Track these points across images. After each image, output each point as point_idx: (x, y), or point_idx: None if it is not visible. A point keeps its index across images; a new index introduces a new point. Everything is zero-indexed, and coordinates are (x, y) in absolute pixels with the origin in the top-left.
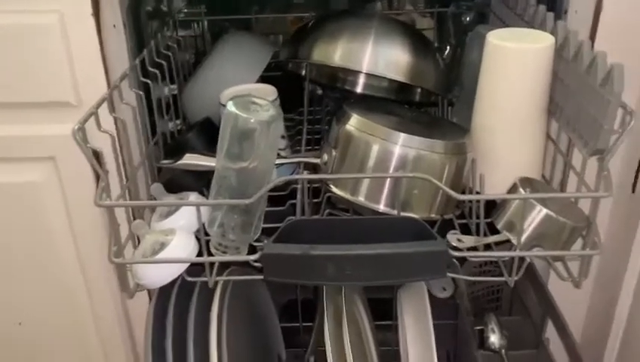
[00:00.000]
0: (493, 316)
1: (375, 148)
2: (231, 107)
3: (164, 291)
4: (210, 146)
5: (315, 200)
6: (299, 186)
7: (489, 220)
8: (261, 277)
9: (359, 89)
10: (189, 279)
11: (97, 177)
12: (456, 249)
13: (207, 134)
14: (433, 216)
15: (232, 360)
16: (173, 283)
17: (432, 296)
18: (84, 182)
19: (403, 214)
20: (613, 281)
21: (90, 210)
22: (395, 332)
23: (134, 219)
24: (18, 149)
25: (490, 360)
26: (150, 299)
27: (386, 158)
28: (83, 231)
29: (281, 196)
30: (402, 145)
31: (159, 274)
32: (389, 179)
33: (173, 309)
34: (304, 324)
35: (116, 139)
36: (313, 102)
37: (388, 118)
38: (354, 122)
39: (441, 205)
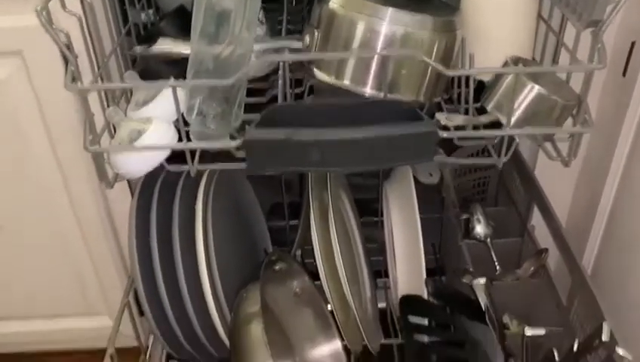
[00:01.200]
0: (478, 206)
1: (360, 27)
2: None
3: (147, 187)
4: (184, 36)
5: (297, 91)
6: (280, 69)
7: (478, 105)
8: (244, 166)
9: None
10: (170, 168)
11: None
12: (445, 129)
13: (181, 22)
14: (421, 99)
15: (218, 253)
16: (155, 178)
17: (418, 191)
18: (54, 76)
19: (390, 97)
20: (599, 168)
21: (63, 105)
22: (381, 228)
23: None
24: None
25: (475, 250)
26: (132, 196)
27: (372, 38)
28: (57, 126)
29: (261, 90)
30: (389, 22)
31: (138, 163)
32: (375, 60)
33: (156, 204)
34: (290, 223)
35: (84, 22)
36: None
37: None
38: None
39: (429, 87)
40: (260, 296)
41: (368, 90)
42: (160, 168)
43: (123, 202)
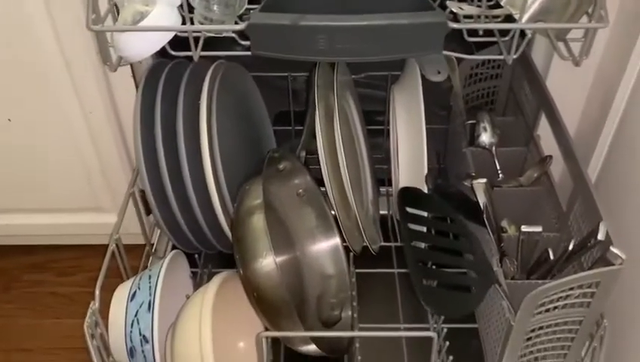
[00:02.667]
0: (486, 114)
1: None
2: None
3: (151, 79)
4: None
5: None
6: None
7: (491, 1)
8: (248, 53)
9: None
10: (173, 53)
11: None
12: (455, 20)
13: None
14: None
15: (222, 147)
16: (160, 72)
17: (427, 102)
18: None
19: None
20: (612, 75)
21: None
22: (388, 138)
23: None
24: None
25: (479, 157)
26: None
27: None
28: (63, 19)
29: None
30: None
31: (141, 44)
32: None
33: (161, 97)
34: (296, 128)
35: None
36: None
37: None
38: None
39: None
40: (269, 189)
41: None
42: (164, 64)
43: (128, 95)
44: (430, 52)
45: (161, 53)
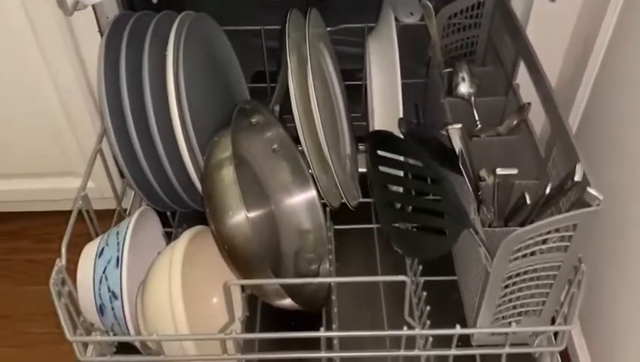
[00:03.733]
0: (464, 64)
1: None
2: None
3: (116, 28)
4: None
5: None
6: None
7: None
8: None
9: None
10: None
11: None
12: None
13: None
14: None
15: (190, 102)
16: (124, 23)
17: (403, 55)
18: None
19: None
20: (593, 19)
21: None
22: (365, 94)
23: None
24: None
25: (458, 107)
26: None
27: None
28: None
29: None
30: None
31: None
32: None
33: (125, 48)
34: (272, 86)
35: None
36: None
37: None
38: None
39: None
40: (238, 143)
41: None
42: (129, 15)
43: (95, 51)
44: None
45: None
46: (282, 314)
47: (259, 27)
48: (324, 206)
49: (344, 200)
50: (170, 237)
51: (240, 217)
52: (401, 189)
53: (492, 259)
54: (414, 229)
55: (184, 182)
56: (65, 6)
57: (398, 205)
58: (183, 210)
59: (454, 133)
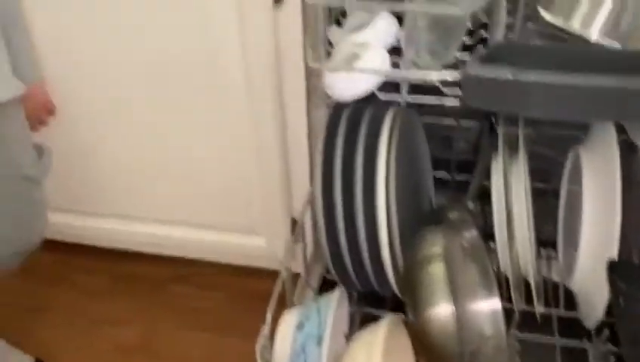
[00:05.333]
0: None
1: None
2: None
3: (335, 115)
4: None
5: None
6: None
7: None
8: (456, 102)
9: None
10: (382, 97)
11: None
12: None
13: None
14: None
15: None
16: (341, 112)
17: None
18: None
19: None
20: None
21: (263, 28)
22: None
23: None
24: None
25: None
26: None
27: None
28: (254, 51)
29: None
30: None
31: (353, 85)
32: (611, 7)
33: (344, 134)
34: (457, 179)
35: None
36: None
37: None
38: None
39: None
40: (441, 240)
41: (595, 36)
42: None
43: (299, 122)
44: None
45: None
46: None
47: (454, 123)
48: (506, 313)
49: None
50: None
51: (445, 314)
52: None
53: None
54: None
55: (376, 264)
56: (317, 98)
57: None
58: (362, 290)
59: None
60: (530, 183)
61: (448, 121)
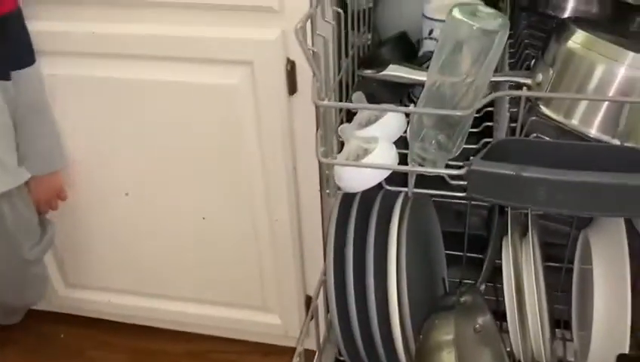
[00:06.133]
0: None
1: (599, 70)
2: (456, 13)
3: (346, 201)
4: (404, 61)
5: (512, 125)
6: (505, 103)
7: None
8: (462, 194)
9: (565, 14)
10: (389, 188)
11: (291, 86)
12: None
13: (402, 48)
14: None
15: (407, 275)
16: (353, 194)
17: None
18: (275, 91)
19: (626, 144)
20: None
21: (278, 117)
22: (567, 274)
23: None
24: (219, 51)
25: None
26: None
27: (611, 80)
28: (270, 138)
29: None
30: (633, 66)
31: (361, 179)
32: (611, 104)
33: (354, 219)
34: (468, 255)
35: (320, 56)
36: None
37: (614, 37)
38: (578, 39)
39: None
40: (452, 326)
41: (594, 132)
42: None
43: (312, 206)
44: None
45: None
46: None
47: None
48: None
49: None
50: None
51: None
52: None
53: None
54: None
55: (388, 345)
56: (330, 189)
57: None
58: None
59: None
60: (544, 259)
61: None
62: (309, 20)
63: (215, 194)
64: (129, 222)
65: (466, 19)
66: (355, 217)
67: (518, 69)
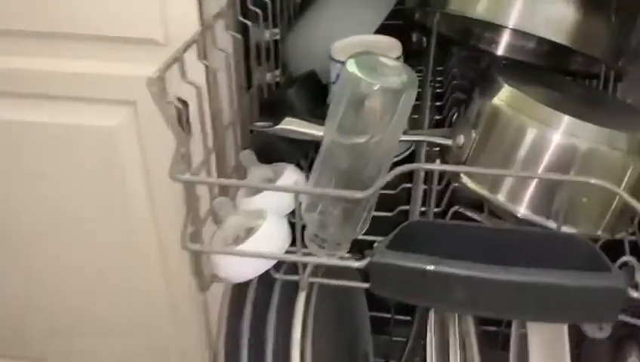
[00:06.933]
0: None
1: (531, 134)
2: (352, 67)
3: (241, 287)
4: (313, 106)
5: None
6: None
7: None
8: (366, 285)
9: (500, 50)
10: (278, 276)
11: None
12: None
13: (311, 91)
14: (600, 234)
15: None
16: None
17: None
18: (165, 134)
19: (563, 228)
20: None
21: (167, 166)
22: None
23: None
24: (98, 89)
25: None
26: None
27: (544, 148)
28: (159, 184)
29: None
30: (568, 133)
31: (242, 268)
32: (546, 181)
33: (250, 312)
34: (396, 317)
35: (204, 92)
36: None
37: (548, 92)
38: (505, 96)
39: (611, 220)
40: None
41: (523, 211)
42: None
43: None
44: (600, 321)
45: None
46: None
47: None
48: None
49: None
50: None
51: None
52: None
53: None
54: None
55: None
56: (202, 279)
57: None
58: None
59: None
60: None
61: None
62: (177, 63)
63: (104, 262)
64: (20, 295)
65: (363, 77)
66: (250, 308)
67: (446, 113)
